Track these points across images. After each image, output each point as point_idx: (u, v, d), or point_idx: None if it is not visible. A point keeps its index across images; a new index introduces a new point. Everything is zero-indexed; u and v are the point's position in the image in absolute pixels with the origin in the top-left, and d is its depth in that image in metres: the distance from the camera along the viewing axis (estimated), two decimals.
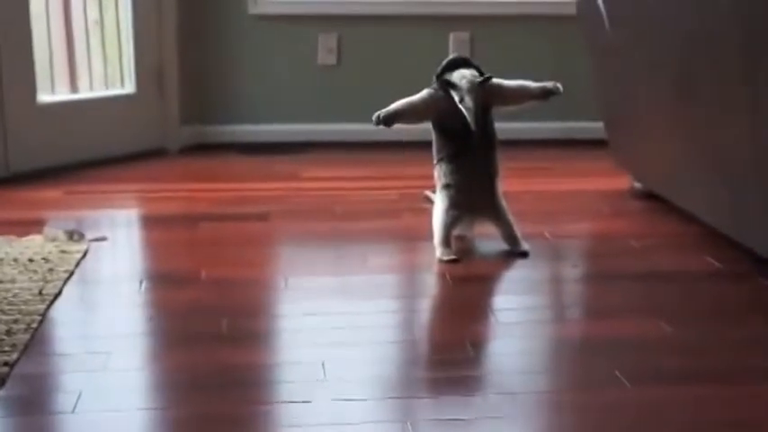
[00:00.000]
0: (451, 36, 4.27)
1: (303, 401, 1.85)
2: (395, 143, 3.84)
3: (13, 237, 2.81)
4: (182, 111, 4.17)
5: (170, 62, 4.10)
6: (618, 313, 2.35)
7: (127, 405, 1.84)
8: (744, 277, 2.55)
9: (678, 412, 1.82)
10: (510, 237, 2.75)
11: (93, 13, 4.01)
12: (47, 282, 2.45)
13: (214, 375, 1.97)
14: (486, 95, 2.73)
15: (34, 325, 2.17)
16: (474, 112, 2.69)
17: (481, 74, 2.75)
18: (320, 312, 2.31)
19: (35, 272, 2.52)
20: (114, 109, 4.02)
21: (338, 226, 3.06)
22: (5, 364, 1.96)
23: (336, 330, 2.21)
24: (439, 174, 2.76)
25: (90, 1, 3.99)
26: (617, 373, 1.95)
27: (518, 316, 2.33)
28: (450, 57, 2.84)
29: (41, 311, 2.25)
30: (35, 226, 2.92)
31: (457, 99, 2.69)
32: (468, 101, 2.68)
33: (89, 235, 2.86)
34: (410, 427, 1.75)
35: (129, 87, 4.07)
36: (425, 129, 2.79)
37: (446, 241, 2.71)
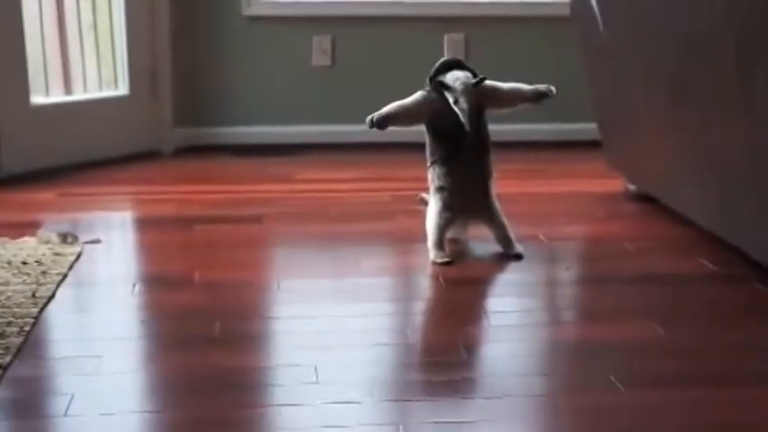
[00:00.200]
0: (446, 37, 4.27)
1: (296, 404, 1.84)
2: (389, 145, 3.83)
3: (6, 239, 2.80)
4: (175, 112, 4.16)
5: (164, 64, 4.09)
6: (612, 316, 2.35)
7: (119, 408, 1.83)
8: (738, 280, 2.54)
9: (673, 416, 1.82)
10: (504, 239, 2.75)
11: (86, 16, 4.00)
12: (40, 284, 2.44)
13: (207, 378, 1.96)
14: (480, 97, 2.73)
15: (27, 328, 2.16)
16: (468, 114, 2.68)
17: (475, 75, 2.75)
18: (313, 315, 2.31)
19: (28, 274, 2.51)
20: (108, 111, 4.02)
21: (332, 228, 3.06)
22: None
23: (329, 333, 2.20)
24: (432, 176, 2.75)
25: (83, 3, 3.99)
26: (611, 376, 1.95)
27: (512, 319, 2.32)
28: (444, 59, 2.83)
29: (34, 314, 2.24)
30: (28, 228, 2.91)
31: (451, 101, 2.68)
32: (463, 102, 2.68)
33: (83, 237, 2.85)
34: (403, 430, 1.74)
35: (123, 89, 4.06)
36: (419, 130, 2.78)
37: (440, 244, 2.71)
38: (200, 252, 2.83)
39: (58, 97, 3.94)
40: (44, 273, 2.53)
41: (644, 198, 3.27)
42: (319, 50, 4.26)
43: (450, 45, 4.24)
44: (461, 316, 2.37)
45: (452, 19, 4.31)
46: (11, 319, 2.21)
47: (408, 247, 2.83)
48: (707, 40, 2.42)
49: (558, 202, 3.42)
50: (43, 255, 2.67)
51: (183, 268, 2.66)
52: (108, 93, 4.07)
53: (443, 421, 1.80)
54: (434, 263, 2.67)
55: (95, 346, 2.12)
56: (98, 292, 2.53)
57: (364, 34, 4.28)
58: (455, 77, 2.72)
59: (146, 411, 1.87)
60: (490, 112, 2.76)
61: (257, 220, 3.13)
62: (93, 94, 4.04)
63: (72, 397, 1.85)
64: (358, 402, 1.86)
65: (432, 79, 2.75)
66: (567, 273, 2.71)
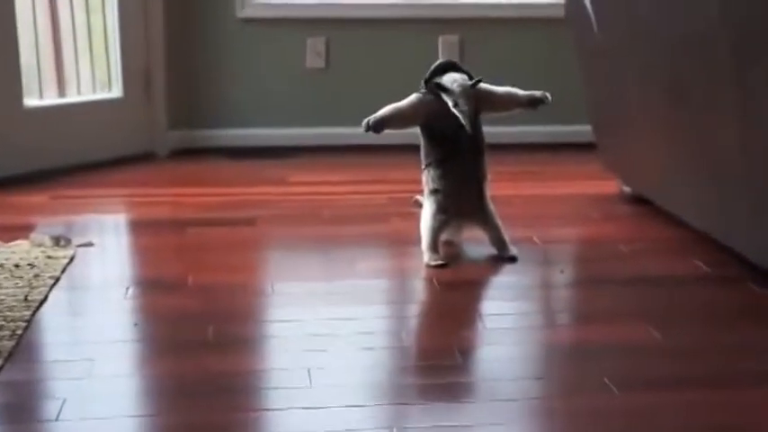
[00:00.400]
0: (440, 39, 4.27)
1: (289, 408, 1.83)
2: (383, 147, 3.81)
3: None
4: (169, 115, 4.15)
5: (157, 66, 4.08)
6: (607, 318, 2.34)
7: (111, 412, 1.82)
8: (733, 281, 2.54)
9: (668, 418, 1.81)
10: (498, 241, 2.75)
11: (80, 18, 3.99)
12: (32, 288, 2.43)
13: (200, 382, 1.95)
14: (476, 100, 2.72)
15: (19, 331, 2.15)
16: (468, 116, 2.66)
17: (470, 78, 2.74)
18: (307, 318, 2.30)
19: (21, 278, 2.50)
20: (102, 113, 4.00)
21: (326, 231, 3.05)
22: None
23: (323, 336, 2.19)
24: (427, 179, 2.75)
25: (77, 5, 3.98)
26: (606, 379, 1.94)
27: (506, 321, 2.32)
28: (439, 61, 2.83)
29: (27, 318, 2.24)
30: (21, 231, 2.90)
31: (451, 103, 2.66)
32: (463, 104, 2.66)
33: (76, 240, 2.84)
34: None
35: (117, 91, 4.05)
36: (414, 132, 2.77)
37: (434, 246, 2.70)
38: (193, 255, 2.82)
39: (51, 100, 3.93)
40: (37, 276, 2.52)
41: (639, 200, 3.26)
42: (313, 52, 4.25)
43: (444, 47, 4.24)
44: (456, 319, 2.36)
45: (447, 21, 4.30)
46: (3, 322, 2.20)
47: (403, 249, 2.83)
48: (702, 41, 2.42)
49: (552, 204, 3.41)
50: (36, 258, 2.66)
51: (176, 271, 2.65)
52: (102, 95, 4.06)
53: (438, 425, 1.79)
54: (429, 265, 2.67)
55: (88, 350, 2.11)
56: (91, 296, 2.52)
57: (358, 36, 4.27)
58: (452, 79, 2.71)
59: (139, 415, 1.87)
60: (484, 115, 2.75)
61: (251, 222, 3.12)
62: (87, 96, 4.03)
63: (64, 401, 1.84)
64: (352, 406, 1.85)
65: (427, 81, 2.74)
66: (562, 275, 2.71)
